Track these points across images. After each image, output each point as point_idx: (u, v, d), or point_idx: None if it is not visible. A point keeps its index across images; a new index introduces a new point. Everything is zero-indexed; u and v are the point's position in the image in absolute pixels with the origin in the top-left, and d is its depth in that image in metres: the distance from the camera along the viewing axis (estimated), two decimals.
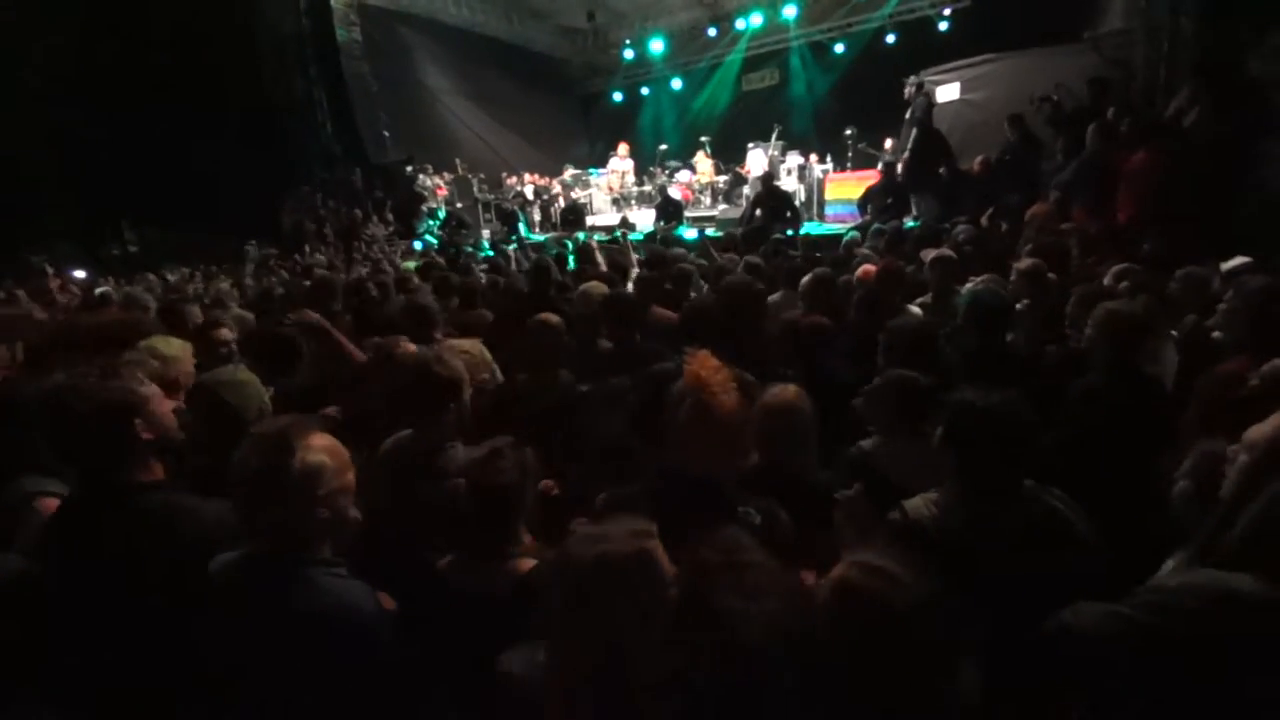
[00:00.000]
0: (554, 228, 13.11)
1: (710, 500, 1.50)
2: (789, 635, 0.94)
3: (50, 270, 7.75)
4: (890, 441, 2.10)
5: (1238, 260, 3.45)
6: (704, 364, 1.55)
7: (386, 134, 13.02)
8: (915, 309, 3.59)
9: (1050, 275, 3.58)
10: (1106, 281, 3.60)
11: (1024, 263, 3.63)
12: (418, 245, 11.35)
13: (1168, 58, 6.68)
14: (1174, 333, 3.06)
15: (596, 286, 3.59)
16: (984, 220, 6.50)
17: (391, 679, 1.36)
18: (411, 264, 8.28)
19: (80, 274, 8.04)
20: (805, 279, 3.69)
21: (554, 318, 2.75)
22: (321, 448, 1.39)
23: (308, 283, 5.11)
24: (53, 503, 1.73)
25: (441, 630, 1.54)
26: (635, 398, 2.04)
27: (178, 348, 2.44)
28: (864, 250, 5.29)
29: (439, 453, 1.96)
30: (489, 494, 1.56)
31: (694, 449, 1.51)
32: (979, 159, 7.76)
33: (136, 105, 10.26)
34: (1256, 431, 1.25)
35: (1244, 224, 4.64)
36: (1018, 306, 3.41)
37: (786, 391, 1.96)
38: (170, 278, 7.65)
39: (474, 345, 2.61)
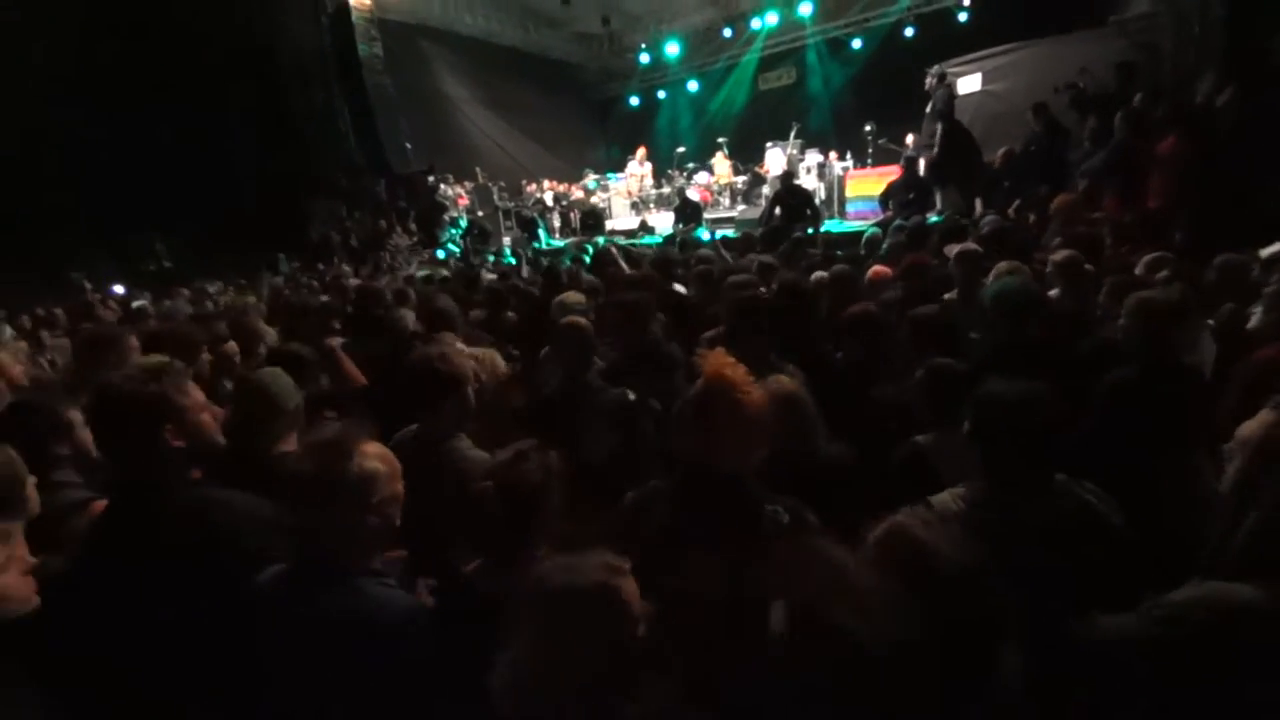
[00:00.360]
0: (574, 233, 13.20)
1: (737, 499, 1.51)
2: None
3: (89, 286, 8.00)
4: (940, 435, 2.08)
5: (1277, 246, 3.34)
6: (722, 361, 1.56)
7: (408, 145, 13.25)
8: None
9: (1087, 266, 3.50)
10: (1139, 271, 3.51)
11: (1059, 254, 3.54)
12: (440, 254, 11.51)
13: (1198, 41, 6.49)
14: (1210, 322, 2.96)
15: (571, 296, 3.57)
16: (1011, 212, 6.38)
17: (437, 690, 1.37)
18: (421, 272, 8.37)
19: (119, 289, 8.29)
20: (818, 275, 3.66)
21: (582, 320, 2.76)
22: (376, 455, 1.41)
23: (325, 297, 5.22)
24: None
25: (469, 636, 1.54)
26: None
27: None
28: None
29: (444, 443, 2.05)
30: (514, 496, 1.55)
31: (723, 447, 1.52)
32: (1002, 151, 7.62)
33: (163, 120, 10.54)
34: (1247, 429, 1.20)
35: (1277, 209, 4.48)
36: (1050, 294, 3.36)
37: (784, 383, 1.99)
38: (211, 289, 7.84)
39: (486, 353, 2.66)
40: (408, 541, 1.68)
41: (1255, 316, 2.61)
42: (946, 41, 11.11)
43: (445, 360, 2.12)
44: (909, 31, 13.34)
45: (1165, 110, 5.93)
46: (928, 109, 8.54)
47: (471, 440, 2.11)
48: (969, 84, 9.20)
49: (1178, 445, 2.08)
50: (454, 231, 12.56)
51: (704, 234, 9.82)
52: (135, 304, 6.13)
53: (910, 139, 9.86)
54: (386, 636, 1.34)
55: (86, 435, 1.87)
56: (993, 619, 0.99)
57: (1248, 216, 4.29)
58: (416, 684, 1.35)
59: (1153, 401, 2.24)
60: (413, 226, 12.28)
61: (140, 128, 10.37)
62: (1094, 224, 4.86)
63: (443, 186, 13.32)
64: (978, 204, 7.47)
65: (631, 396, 2.33)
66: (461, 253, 11.10)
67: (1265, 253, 3.31)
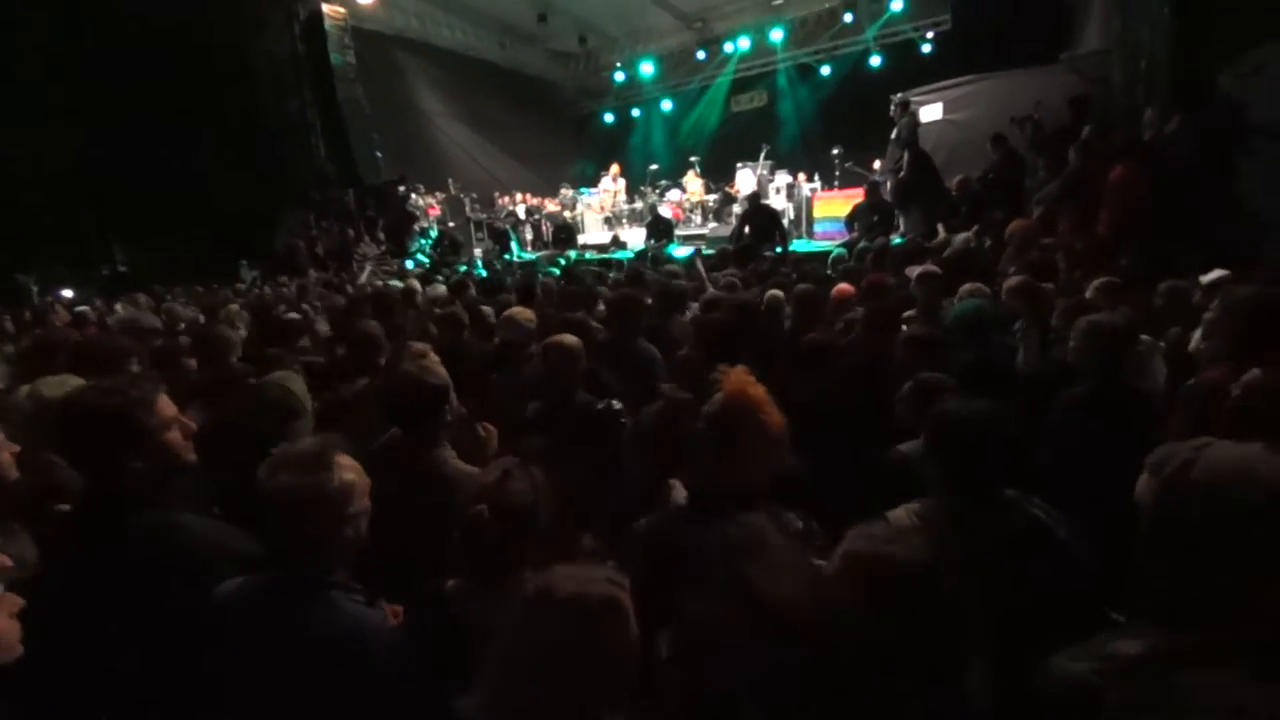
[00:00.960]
0: (545, 246, 13.21)
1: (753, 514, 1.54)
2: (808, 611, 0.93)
3: (35, 289, 7.69)
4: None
5: (1217, 273, 3.51)
6: (744, 380, 1.59)
7: (379, 155, 13.12)
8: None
9: (1045, 285, 3.62)
10: (1089, 295, 3.65)
11: (1013, 279, 3.67)
12: (409, 264, 11.38)
13: (1145, 77, 6.84)
14: (1162, 344, 3.09)
15: (521, 312, 3.50)
16: (972, 236, 6.59)
17: (410, 708, 1.35)
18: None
19: (68, 293, 7.95)
20: (773, 295, 3.74)
21: (570, 338, 2.67)
22: (349, 466, 1.41)
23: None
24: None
25: (448, 661, 1.47)
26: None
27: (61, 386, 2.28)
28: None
29: (430, 453, 2.04)
30: (507, 518, 1.51)
31: (747, 464, 1.54)
32: (957, 178, 7.90)
33: (130, 126, 10.28)
34: (1140, 487, 1.22)
35: (1219, 237, 4.73)
36: (1015, 327, 3.46)
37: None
38: (179, 300, 7.54)
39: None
40: (382, 554, 1.65)
41: (1194, 339, 2.73)
42: (910, 71, 11.50)
43: (428, 373, 2.12)
44: (875, 60, 13.78)
45: (1114, 142, 6.22)
46: (893, 135, 8.80)
47: None
48: (931, 113, 9.51)
49: (1127, 464, 2.14)
50: (424, 242, 12.44)
51: (675, 250, 9.92)
52: (77, 309, 5.88)
53: (878, 164, 10.14)
54: (365, 654, 1.32)
55: (8, 461, 1.78)
56: (957, 621, 1.00)
57: (1193, 243, 4.51)
58: (392, 703, 1.33)
59: (1104, 419, 2.33)
60: (381, 236, 12.11)
61: (106, 131, 10.11)
62: (1048, 249, 5.05)
63: (414, 196, 13.20)
64: (940, 228, 7.70)
65: (618, 405, 2.30)
66: (431, 263, 10.99)
67: (1207, 279, 3.47)
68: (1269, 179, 5.20)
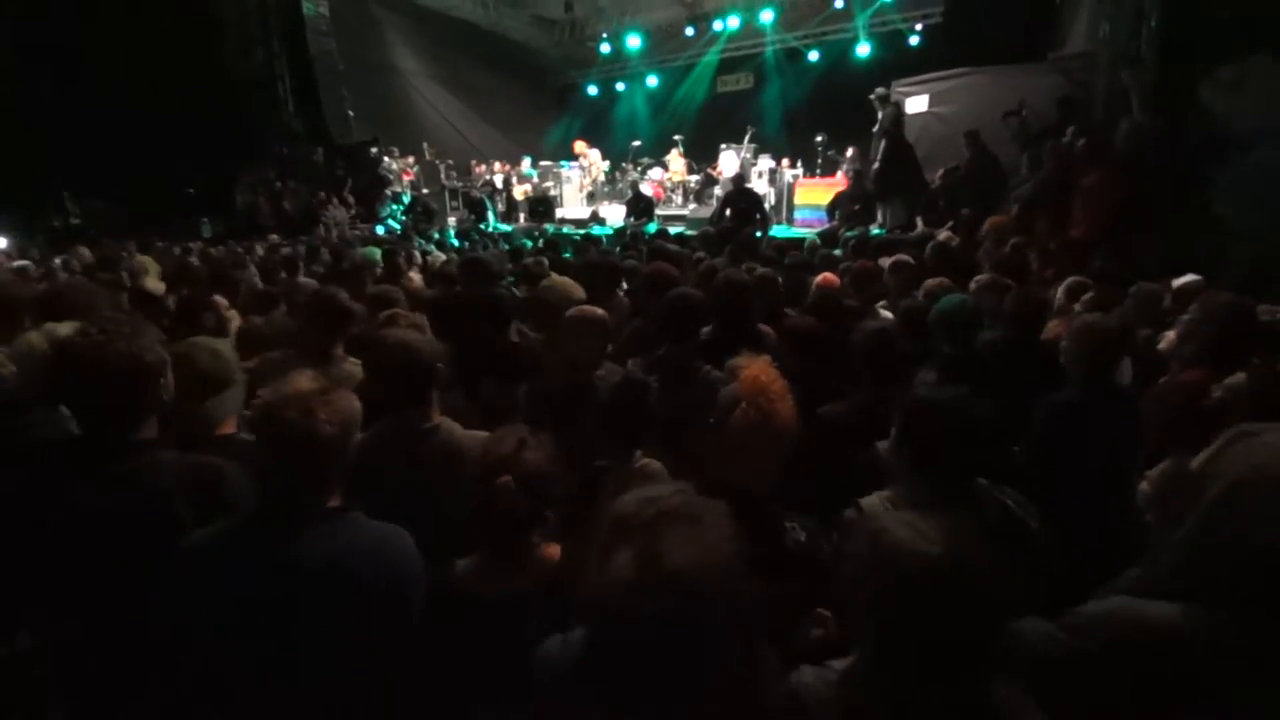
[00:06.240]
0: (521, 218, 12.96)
1: (755, 514, 1.42)
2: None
3: None
4: None
5: (1188, 278, 3.55)
6: (763, 370, 1.50)
7: (351, 114, 12.64)
8: (886, 312, 3.60)
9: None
10: (1059, 294, 3.67)
11: (983, 277, 3.66)
12: (380, 230, 11.04)
13: (1128, 81, 6.89)
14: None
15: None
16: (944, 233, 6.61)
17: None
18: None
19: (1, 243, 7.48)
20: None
21: (598, 311, 2.51)
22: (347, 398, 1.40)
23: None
24: None
25: (465, 641, 1.42)
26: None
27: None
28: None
29: (433, 429, 1.93)
30: (530, 487, 1.44)
31: (746, 458, 1.46)
32: (941, 171, 7.92)
33: (89, 72, 9.72)
34: (1203, 458, 1.20)
35: (1190, 244, 4.82)
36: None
37: None
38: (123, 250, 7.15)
39: None
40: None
41: (1166, 339, 2.75)
42: (897, 62, 11.47)
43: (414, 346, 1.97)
44: (863, 49, 13.70)
45: (1091, 145, 6.27)
46: (876, 126, 8.77)
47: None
48: (917, 104, 9.50)
49: (1117, 466, 2.12)
50: (396, 208, 12.07)
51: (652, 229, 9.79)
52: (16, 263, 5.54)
53: (850, 152, 10.14)
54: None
55: None
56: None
57: (1164, 248, 4.58)
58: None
59: (1092, 424, 2.29)
60: (351, 199, 11.71)
61: (64, 79, 9.55)
62: (1019, 247, 5.08)
63: (387, 159, 12.77)
64: (918, 221, 7.73)
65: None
66: (402, 230, 10.68)
67: (1178, 283, 3.51)
68: (1240, 189, 5.30)
